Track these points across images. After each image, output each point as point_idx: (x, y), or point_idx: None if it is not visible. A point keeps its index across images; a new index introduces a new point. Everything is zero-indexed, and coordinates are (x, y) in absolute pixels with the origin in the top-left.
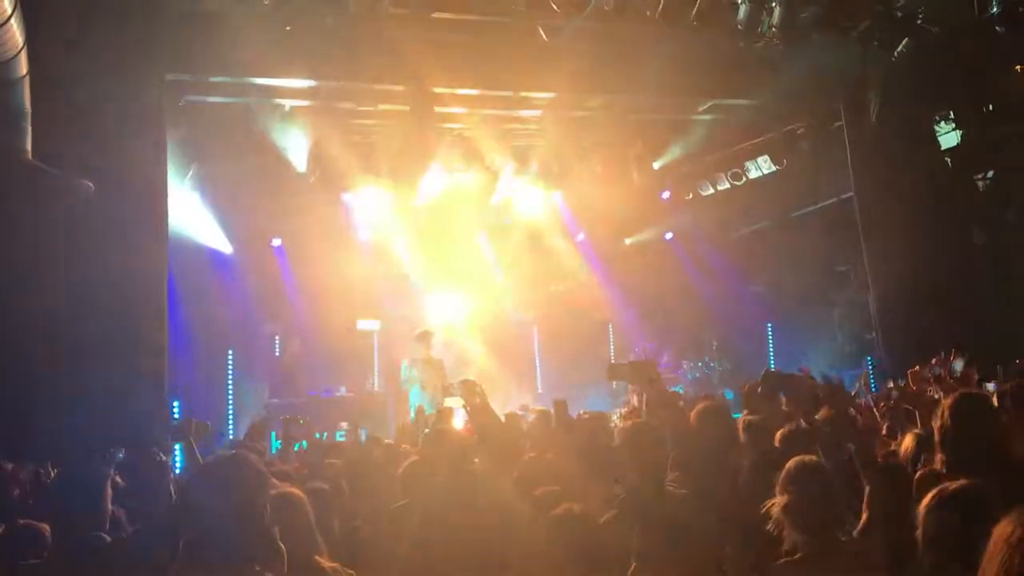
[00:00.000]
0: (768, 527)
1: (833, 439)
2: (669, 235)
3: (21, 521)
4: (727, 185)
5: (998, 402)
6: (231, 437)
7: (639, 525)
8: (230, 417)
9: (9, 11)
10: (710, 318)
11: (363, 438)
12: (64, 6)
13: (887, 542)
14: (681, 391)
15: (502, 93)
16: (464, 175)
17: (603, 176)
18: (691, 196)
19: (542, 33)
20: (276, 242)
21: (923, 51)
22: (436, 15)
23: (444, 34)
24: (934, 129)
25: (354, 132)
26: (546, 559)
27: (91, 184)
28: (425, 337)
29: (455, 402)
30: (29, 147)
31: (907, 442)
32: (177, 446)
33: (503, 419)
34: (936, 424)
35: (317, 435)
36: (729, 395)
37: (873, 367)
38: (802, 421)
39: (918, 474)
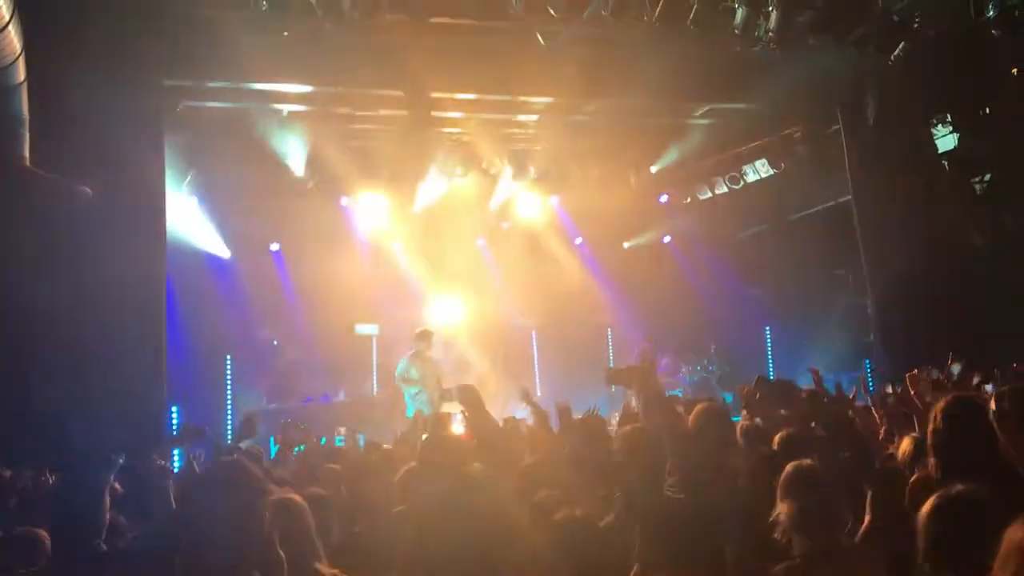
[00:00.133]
0: (776, 535)
1: (831, 443)
2: (667, 239)
3: (18, 528)
4: (725, 189)
5: (996, 405)
6: (229, 442)
7: (639, 529)
8: (229, 422)
9: (7, 17)
10: (708, 321)
11: (361, 444)
12: (62, 12)
13: (889, 547)
14: (680, 394)
15: (500, 98)
16: (462, 180)
17: (601, 180)
18: (689, 200)
19: (539, 38)
20: (274, 247)
21: (920, 55)
22: (433, 20)
23: (441, 39)
24: (931, 132)
25: (352, 137)
26: (546, 563)
27: (89, 190)
28: (425, 336)
29: (453, 407)
30: (27, 153)
31: (904, 445)
32: (176, 452)
33: (501, 424)
34: (928, 428)
35: (315, 440)
36: (728, 398)
37: (871, 370)
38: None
39: (912, 479)
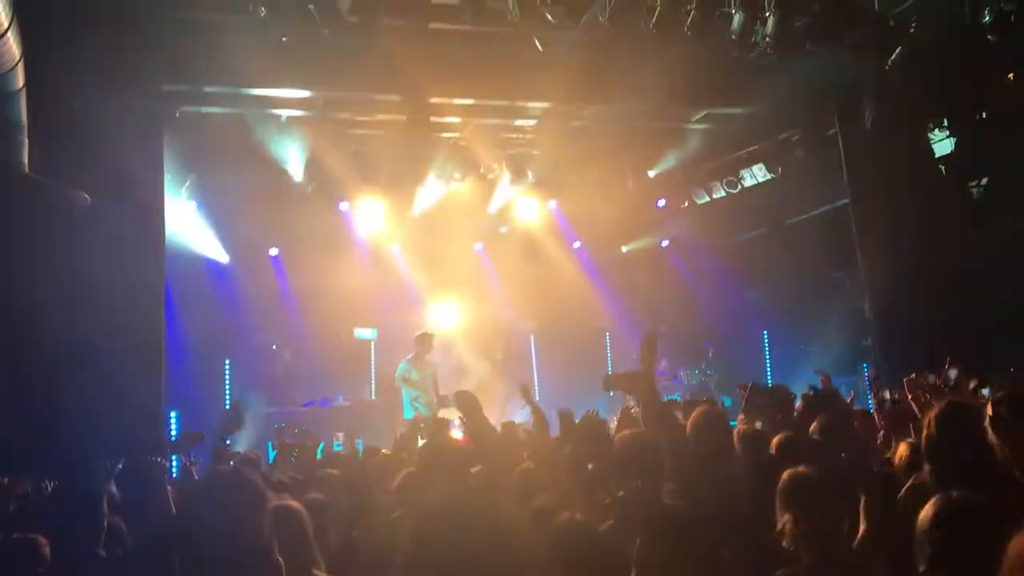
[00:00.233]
0: (785, 544)
1: (827, 448)
2: (665, 243)
3: (17, 534)
4: (723, 193)
5: (993, 411)
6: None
7: (638, 535)
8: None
9: (5, 24)
10: (706, 325)
11: (360, 448)
12: (60, 18)
13: (887, 553)
14: (678, 398)
15: (498, 103)
16: (460, 184)
17: (599, 184)
18: (687, 204)
19: (537, 44)
20: (273, 252)
21: (916, 59)
22: (432, 26)
23: (440, 44)
24: (928, 137)
25: (351, 142)
26: (545, 569)
27: (88, 196)
28: (426, 339)
29: (451, 413)
30: (26, 160)
31: (901, 450)
32: (174, 457)
33: (499, 428)
34: (923, 434)
35: (310, 443)
36: (726, 401)
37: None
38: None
39: (908, 485)
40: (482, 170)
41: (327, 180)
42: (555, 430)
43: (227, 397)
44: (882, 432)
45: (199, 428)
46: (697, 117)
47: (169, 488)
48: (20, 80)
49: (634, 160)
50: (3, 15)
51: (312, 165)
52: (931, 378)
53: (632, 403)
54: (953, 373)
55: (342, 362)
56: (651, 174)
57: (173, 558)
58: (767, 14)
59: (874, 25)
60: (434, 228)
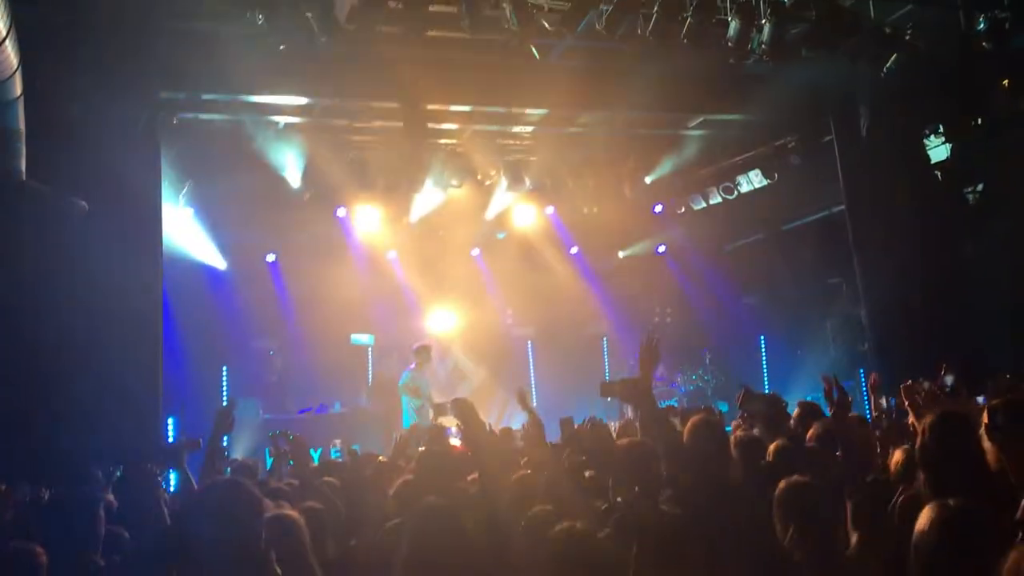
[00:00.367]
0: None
1: (824, 455)
2: (662, 248)
3: (14, 543)
4: (719, 199)
5: (989, 418)
6: (225, 453)
7: (636, 542)
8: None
9: (3, 32)
10: (703, 331)
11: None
12: (58, 26)
13: (882, 561)
14: (675, 404)
15: (495, 109)
16: (458, 190)
17: (596, 190)
18: (683, 210)
19: (534, 51)
20: (270, 258)
21: (912, 66)
22: (429, 33)
23: (437, 52)
24: (923, 143)
25: (348, 149)
26: None
27: (85, 204)
28: (425, 350)
29: (448, 421)
30: (24, 167)
31: (896, 457)
32: (171, 468)
33: (497, 434)
34: (917, 443)
35: (311, 451)
36: (723, 407)
37: (865, 379)
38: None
39: (901, 492)
40: (479, 176)
41: (324, 186)
42: (553, 436)
43: (224, 403)
44: (879, 438)
45: (196, 435)
46: (693, 123)
47: (164, 497)
48: (18, 88)
49: (631, 166)
50: (1, 23)
51: (309, 172)
52: (926, 384)
53: (630, 411)
54: (949, 379)
55: (339, 368)
56: (648, 180)
57: (170, 567)
58: (763, 21)
59: (869, 32)
60: (431, 234)
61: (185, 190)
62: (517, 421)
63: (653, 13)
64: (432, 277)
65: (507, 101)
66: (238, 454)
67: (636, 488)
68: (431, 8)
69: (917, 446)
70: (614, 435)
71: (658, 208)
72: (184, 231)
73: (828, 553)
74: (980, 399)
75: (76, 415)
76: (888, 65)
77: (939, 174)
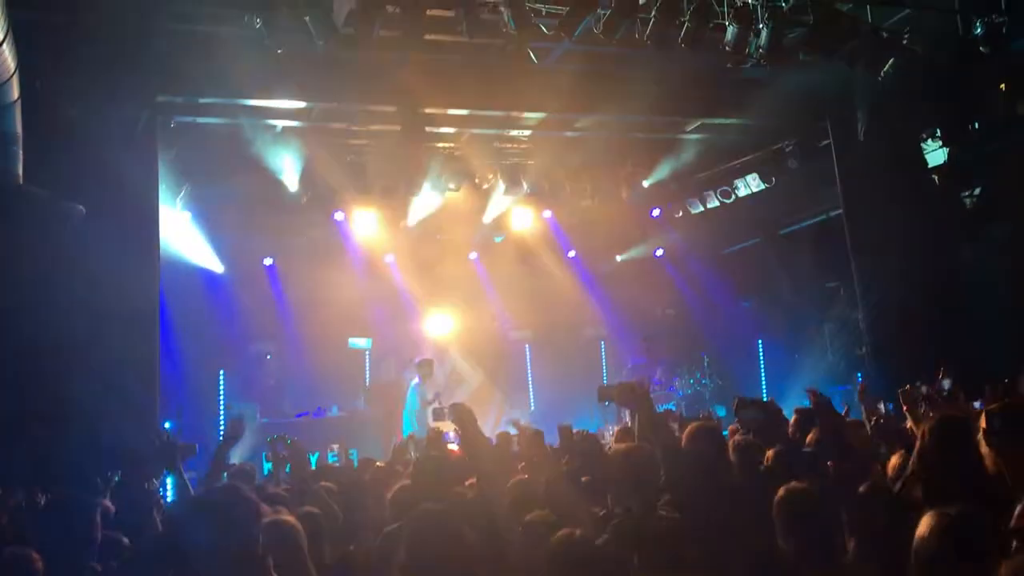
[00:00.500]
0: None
1: (821, 461)
2: (659, 252)
3: (9, 548)
4: (717, 203)
5: (987, 423)
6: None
7: (636, 548)
8: (222, 438)
9: (1, 36)
10: (701, 334)
11: (354, 459)
12: (55, 30)
13: (881, 567)
14: (673, 408)
15: (493, 113)
16: (455, 194)
17: (594, 194)
18: (681, 214)
19: (532, 55)
20: (268, 262)
21: (909, 70)
22: (427, 37)
23: (434, 55)
24: (921, 147)
25: (346, 152)
26: None
27: (83, 207)
28: (427, 364)
29: (445, 426)
30: (21, 171)
31: (893, 462)
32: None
33: (495, 439)
34: (916, 448)
35: (308, 455)
36: (721, 411)
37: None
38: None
39: (898, 496)
40: (477, 180)
41: (322, 190)
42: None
43: (221, 407)
44: (874, 443)
45: (193, 439)
46: (691, 127)
47: (160, 503)
48: (15, 92)
49: (628, 170)
50: None
51: (307, 175)
52: (924, 388)
53: (627, 415)
54: (947, 383)
55: (337, 372)
56: (645, 184)
57: (168, 572)
58: (760, 25)
59: (867, 36)
60: (429, 238)
61: (183, 193)
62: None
63: (651, 17)
64: (430, 280)
65: (505, 105)
66: (234, 459)
67: (634, 493)
68: (429, 12)
69: (916, 450)
70: (612, 440)
71: (656, 212)
72: (182, 235)
73: (827, 559)
74: (977, 404)
75: (73, 418)
76: (886, 69)
77: (936, 178)
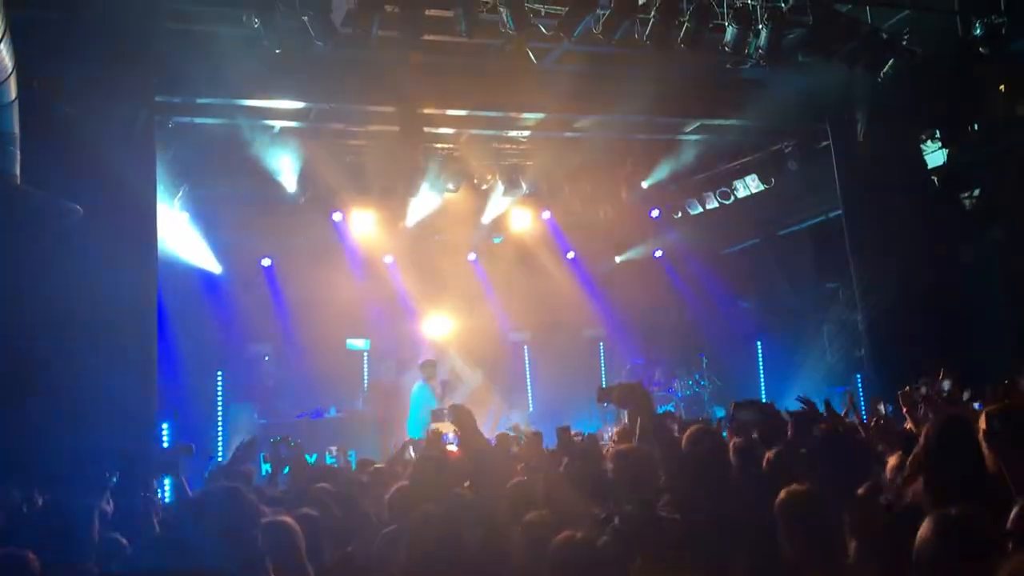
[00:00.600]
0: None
1: (820, 463)
2: (658, 253)
3: (6, 550)
4: (716, 204)
5: (986, 424)
6: (219, 458)
7: (636, 550)
8: (220, 439)
9: None
10: (700, 336)
11: (352, 461)
12: (53, 30)
13: (880, 569)
14: (672, 409)
15: (491, 114)
16: (454, 195)
17: (593, 195)
18: (680, 215)
19: (531, 55)
20: (266, 262)
21: (909, 71)
22: (425, 37)
23: (433, 56)
24: (920, 148)
25: (344, 153)
26: None
27: (80, 207)
28: (430, 365)
29: (445, 427)
30: (18, 171)
31: (892, 462)
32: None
33: (494, 441)
34: (918, 448)
35: (307, 456)
36: (720, 412)
37: (862, 385)
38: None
39: (901, 496)
40: (476, 181)
41: (320, 191)
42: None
43: (219, 409)
44: (873, 444)
45: (190, 440)
46: (690, 128)
47: (158, 505)
48: (13, 91)
49: (627, 170)
50: None
51: (305, 176)
52: (923, 390)
53: (627, 417)
54: (947, 384)
55: (335, 373)
56: (644, 185)
57: (167, 571)
58: (760, 26)
59: (866, 37)
60: (428, 239)
61: (180, 194)
62: (511, 428)
63: (650, 17)
64: (428, 281)
65: (504, 105)
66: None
67: (633, 495)
68: (428, 12)
69: (919, 451)
70: (611, 441)
71: (655, 213)
72: (179, 236)
73: (828, 560)
74: (977, 405)
75: (70, 419)
76: (885, 70)
77: (936, 179)
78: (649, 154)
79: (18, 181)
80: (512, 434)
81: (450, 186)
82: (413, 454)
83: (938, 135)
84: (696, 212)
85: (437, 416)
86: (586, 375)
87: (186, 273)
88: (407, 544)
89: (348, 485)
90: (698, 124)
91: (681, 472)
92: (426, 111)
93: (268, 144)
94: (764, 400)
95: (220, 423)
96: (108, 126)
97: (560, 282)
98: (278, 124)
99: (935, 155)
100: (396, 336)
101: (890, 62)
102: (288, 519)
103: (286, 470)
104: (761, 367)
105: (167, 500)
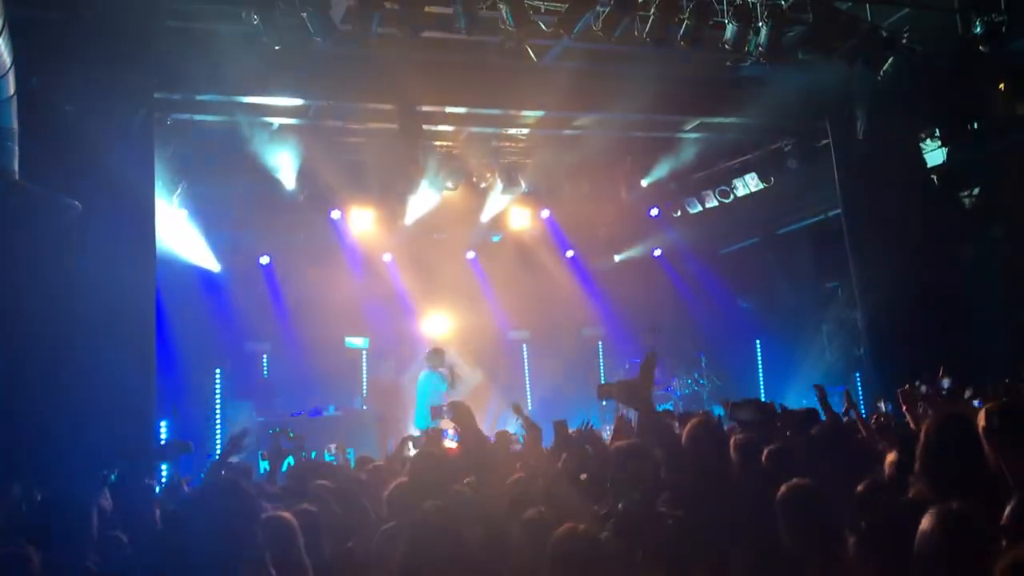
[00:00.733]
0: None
1: (820, 459)
2: (658, 252)
3: (6, 545)
4: (715, 202)
5: (986, 421)
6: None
7: (636, 545)
8: (218, 437)
9: None
10: (699, 335)
11: (351, 458)
12: (52, 25)
13: (880, 564)
14: (671, 408)
15: (490, 111)
16: (453, 193)
17: (592, 193)
18: (679, 213)
19: (530, 52)
20: (264, 260)
21: (908, 70)
22: (425, 35)
23: (432, 53)
24: (920, 147)
25: (343, 150)
26: None
27: (79, 204)
28: (438, 353)
29: (444, 424)
30: (17, 167)
31: (890, 458)
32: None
33: (493, 439)
34: (918, 446)
35: (304, 454)
36: (718, 411)
37: (861, 384)
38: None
39: (898, 497)
40: (475, 179)
41: (319, 188)
42: (548, 439)
43: (218, 407)
44: (873, 441)
45: (188, 438)
46: (690, 126)
47: (155, 499)
48: (12, 87)
49: (627, 169)
50: None
51: (304, 173)
52: (923, 388)
53: (624, 411)
54: (947, 382)
55: (333, 371)
56: (644, 183)
57: (166, 569)
58: (760, 24)
59: (866, 35)
60: (426, 237)
61: (179, 191)
62: (512, 425)
63: (650, 15)
64: (427, 280)
65: (503, 103)
66: (231, 457)
67: (635, 492)
68: (427, 9)
69: (918, 448)
70: (609, 437)
71: (654, 211)
72: (178, 233)
73: (828, 555)
74: (976, 403)
75: (68, 417)
76: (885, 68)
77: (935, 178)
78: (648, 152)
79: (17, 177)
80: (511, 431)
81: (449, 184)
82: (413, 450)
83: (938, 133)
84: (695, 211)
85: (436, 413)
86: (585, 374)
87: (184, 271)
88: (407, 541)
89: (347, 482)
90: (698, 122)
91: (682, 468)
92: (425, 109)
93: (267, 141)
94: (763, 399)
95: (218, 421)
96: (107, 123)
97: (559, 281)
98: (277, 121)
99: (935, 153)
100: (395, 334)
101: (890, 60)
102: (287, 515)
103: (285, 467)
104: (760, 366)
105: (163, 495)
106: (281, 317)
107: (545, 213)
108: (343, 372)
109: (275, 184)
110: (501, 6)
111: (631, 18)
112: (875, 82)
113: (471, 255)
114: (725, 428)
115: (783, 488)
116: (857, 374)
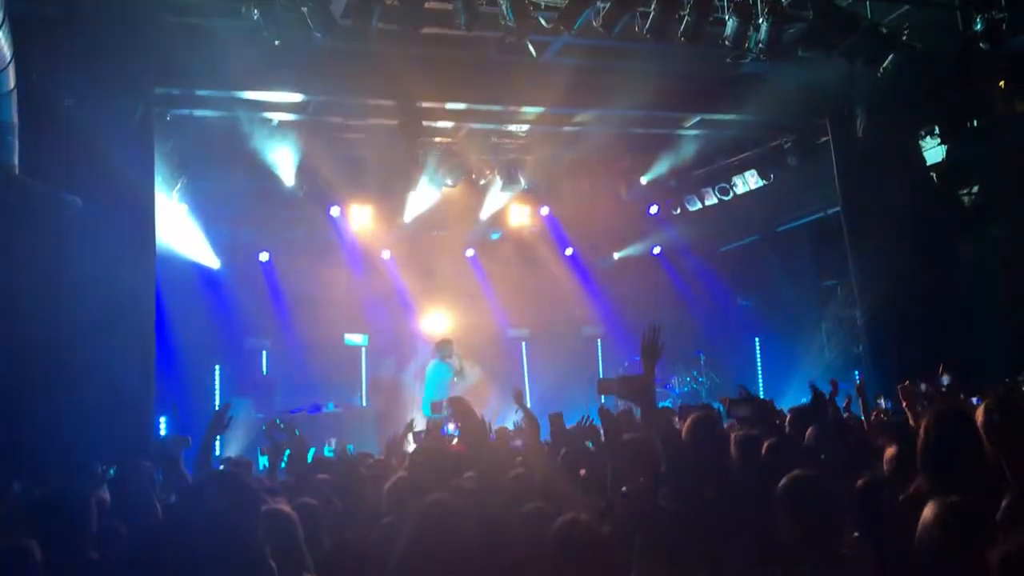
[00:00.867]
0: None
1: (820, 454)
2: (657, 249)
3: (8, 539)
4: (714, 200)
5: (985, 416)
6: (216, 452)
7: (639, 535)
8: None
9: None
10: (698, 332)
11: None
12: (52, 19)
13: (880, 557)
14: (670, 405)
15: (490, 108)
16: (452, 190)
17: (591, 191)
18: (679, 211)
19: (530, 48)
20: (264, 257)
21: (908, 67)
22: (425, 30)
23: (432, 49)
24: (919, 144)
25: (342, 147)
26: (547, 569)
27: (79, 198)
28: (447, 344)
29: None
30: (16, 162)
31: (889, 453)
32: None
33: (493, 435)
34: (918, 442)
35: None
36: (718, 408)
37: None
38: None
39: (898, 491)
40: (474, 176)
41: (318, 185)
42: (545, 434)
43: (216, 403)
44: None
45: (187, 434)
46: (690, 123)
47: (154, 492)
48: (11, 81)
49: (626, 166)
50: None
51: (303, 170)
52: (922, 386)
53: (623, 406)
54: (946, 379)
55: (333, 368)
56: (643, 180)
57: (166, 561)
58: (760, 20)
59: (866, 32)
60: (426, 234)
61: (178, 187)
62: (511, 422)
63: (651, 11)
64: (426, 277)
65: (503, 99)
66: (230, 453)
67: (635, 485)
68: (427, 5)
69: (919, 443)
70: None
71: (653, 209)
72: (177, 228)
73: (829, 547)
74: (975, 399)
75: (67, 413)
76: (885, 65)
77: (935, 176)
78: (648, 149)
79: (16, 172)
80: (510, 427)
81: (448, 181)
82: (412, 444)
83: (937, 131)
84: (695, 208)
85: (436, 408)
86: (584, 372)
87: (184, 267)
88: (407, 534)
89: (347, 476)
90: (697, 119)
91: (682, 461)
92: (425, 105)
93: (266, 137)
94: (762, 397)
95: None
96: (107, 118)
97: (558, 278)
98: (276, 117)
99: (934, 151)
100: (394, 332)
101: (890, 57)
102: (286, 507)
103: (284, 462)
104: (759, 364)
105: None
106: (280, 314)
107: (545, 210)
108: (342, 369)
109: (274, 180)
110: (501, 2)
111: (631, 14)
112: (875, 79)
113: (470, 252)
114: (725, 425)
115: (784, 479)
116: (856, 372)
